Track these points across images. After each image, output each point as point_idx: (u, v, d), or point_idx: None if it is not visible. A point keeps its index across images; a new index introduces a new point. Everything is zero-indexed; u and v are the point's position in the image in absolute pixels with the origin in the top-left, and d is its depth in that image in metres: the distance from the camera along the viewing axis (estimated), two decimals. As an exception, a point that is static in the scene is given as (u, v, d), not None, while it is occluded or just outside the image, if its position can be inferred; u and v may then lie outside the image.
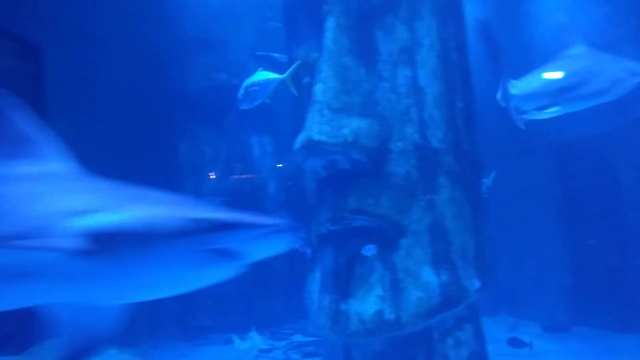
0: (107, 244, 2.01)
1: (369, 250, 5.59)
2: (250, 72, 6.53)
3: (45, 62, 8.49)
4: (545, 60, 6.70)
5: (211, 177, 10.87)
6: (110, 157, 9.64)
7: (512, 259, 10.21)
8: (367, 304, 5.60)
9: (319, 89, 5.75)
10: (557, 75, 6.26)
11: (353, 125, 5.67)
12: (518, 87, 6.38)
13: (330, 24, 5.87)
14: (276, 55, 8.97)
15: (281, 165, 11.40)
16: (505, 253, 9.85)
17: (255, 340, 8.35)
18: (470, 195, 6.04)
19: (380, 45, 5.92)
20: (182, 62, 10.92)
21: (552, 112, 6.26)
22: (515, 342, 7.51)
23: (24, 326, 7.88)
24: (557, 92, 6.19)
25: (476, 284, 5.71)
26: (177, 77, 10.85)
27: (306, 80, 6.52)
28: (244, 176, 10.95)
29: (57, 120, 8.58)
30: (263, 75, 6.24)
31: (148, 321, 9.46)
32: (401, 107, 5.86)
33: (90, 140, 9.12)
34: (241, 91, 6.29)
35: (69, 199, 2.19)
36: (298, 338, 9.41)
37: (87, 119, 9.04)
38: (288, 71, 6.13)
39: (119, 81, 9.53)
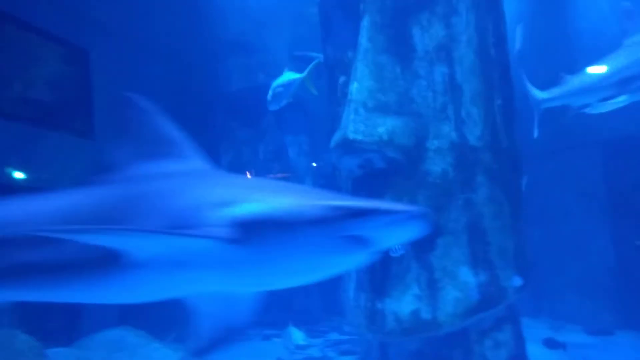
0: (255, 233, 2.09)
1: (396, 251, 5.57)
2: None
3: (92, 66, 8.86)
4: (590, 53, 6.47)
5: (248, 176, 11.05)
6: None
7: (555, 259, 9.91)
8: (404, 303, 5.57)
9: (354, 87, 5.76)
10: (622, 64, 5.97)
11: (389, 124, 5.65)
12: (578, 80, 6.10)
13: (366, 22, 5.86)
14: (314, 54, 9.06)
15: (317, 164, 11.46)
16: (548, 253, 9.57)
17: (295, 336, 8.41)
18: (510, 194, 5.91)
19: (417, 43, 5.87)
20: (221, 64, 11.15)
21: (618, 102, 5.97)
22: (550, 343, 7.38)
23: (72, 319, 8.27)
24: (623, 81, 5.88)
25: (517, 281, 5.60)
26: (216, 78, 11.08)
27: (342, 79, 6.54)
28: (279, 175, 11.08)
29: (103, 122, 8.95)
30: (287, 76, 6.37)
31: (189, 317, 9.70)
32: (438, 105, 5.80)
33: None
34: (270, 93, 6.44)
35: (214, 191, 2.27)
36: (334, 336, 9.44)
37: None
38: (306, 70, 6.23)
39: (160, 83, 9.82)
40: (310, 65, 6.24)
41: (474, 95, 5.86)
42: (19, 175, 7.62)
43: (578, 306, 9.72)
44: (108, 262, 2.12)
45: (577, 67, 6.51)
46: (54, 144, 8.00)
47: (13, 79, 7.85)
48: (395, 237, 2.21)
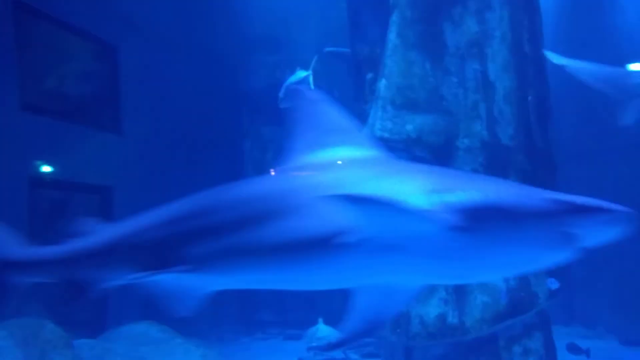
0: (478, 221, 1.98)
1: None
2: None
3: (120, 62, 8.98)
4: (630, 49, 6.18)
5: (272, 173, 11.03)
6: (178, 151, 10.05)
7: (589, 266, 9.56)
8: (429, 306, 5.45)
9: (382, 84, 5.65)
10: None
11: (417, 122, 5.52)
12: None
13: (395, 17, 5.74)
14: (344, 50, 9.01)
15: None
16: (582, 259, 9.24)
17: (323, 331, 8.30)
18: (543, 196, 5.70)
19: (448, 39, 5.72)
20: (248, 61, 11.17)
21: None
22: (573, 348, 7.16)
23: (98, 312, 8.40)
24: None
25: (552, 283, 5.40)
26: (243, 75, 11.11)
27: (369, 76, 6.44)
28: (305, 173, 11.03)
29: (130, 116, 9.06)
30: (299, 74, 6.54)
31: (212, 314, 9.76)
32: (469, 103, 5.64)
33: (160, 136, 9.54)
34: (282, 90, 6.57)
35: (418, 179, 2.16)
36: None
37: (158, 115, 9.45)
38: (310, 66, 6.44)
39: (188, 79, 9.90)
40: (313, 62, 6.41)
41: (507, 93, 5.68)
42: (50, 168, 7.77)
43: (612, 315, 9.37)
44: (322, 242, 2.03)
45: (615, 63, 6.22)
46: (83, 138, 8.14)
47: (46, 74, 8.02)
48: (605, 236, 2.13)
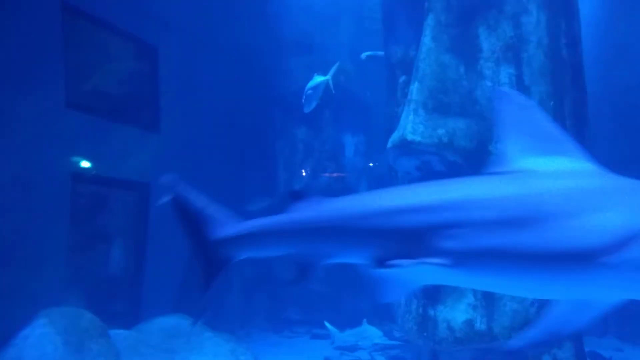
0: None
1: None
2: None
3: (160, 62, 9.23)
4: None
5: (303, 174, 11.13)
6: (212, 151, 10.27)
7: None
8: (457, 311, 5.40)
9: (415, 87, 5.65)
10: None
11: (449, 126, 5.49)
12: None
13: (430, 21, 5.74)
14: (381, 53, 9.03)
15: (372, 164, 11.36)
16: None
17: (371, 332, 8.35)
18: (578, 204, 5.57)
19: (483, 42, 5.67)
20: (281, 63, 11.29)
21: None
22: (595, 357, 6.97)
23: (132, 304, 8.69)
24: None
25: None
26: (277, 77, 11.24)
27: (402, 78, 6.43)
28: (335, 174, 11.07)
29: (168, 115, 9.32)
30: (315, 79, 6.66)
31: (241, 311, 9.93)
32: (503, 107, 5.56)
33: (196, 135, 9.77)
34: (304, 96, 6.72)
35: None
36: (383, 340, 9.32)
37: (195, 114, 9.69)
38: (329, 73, 6.54)
39: (223, 80, 10.10)
40: (333, 68, 6.52)
41: (542, 98, 5.58)
42: (91, 164, 8.07)
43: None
44: (585, 257, 1.96)
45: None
46: (123, 135, 8.41)
47: (90, 73, 8.32)
48: None
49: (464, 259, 2.10)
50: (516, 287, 2.29)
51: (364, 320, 8.48)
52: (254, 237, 2.60)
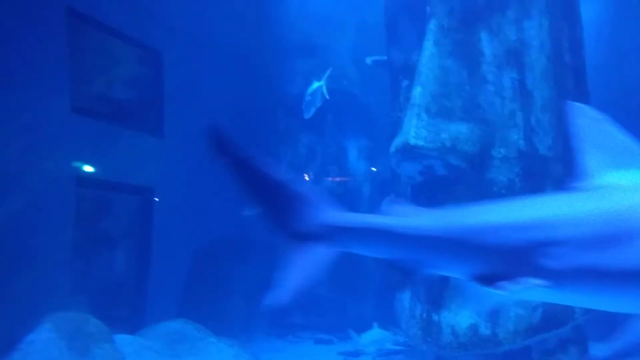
0: None
1: None
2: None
3: (164, 66, 9.28)
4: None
5: (306, 178, 11.14)
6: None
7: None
8: (461, 316, 5.39)
9: (417, 92, 5.66)
10: None
11: (452, 130, 5.49)
12: None
13: (432, 25, 5.75)
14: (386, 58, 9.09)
15: (376, 169, 11.36)
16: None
17: (380, 335, 8.33)
18: (582, 208, 5.56)
19: (485, 47, 5.68)
20: (285, 67, 11.33)
21: None
22: None
23: (137, 308, 8.70)
24: None
25: None
26: (280, 80, 11.27)
27: (405, 83, 6.45)
28: (338, 179, 11.08)
29: (172, 119, 9.36)
30: (314, 85, 6.82)
31: (244, 316, 9.93)
32: (506, 112, 5.57)
33: (199, 139, 9.80)
34: (303, 102, 6.86)
35: None
36: (387, 345, 9.30)
37: (198, 119, 9.72)
38: (323, 78, 6.72)
39: (227, 84, 10.14)
40: (326, 73, 6.69)
41: (545, 102, 5.58)
42: (95, 168, 8.10)
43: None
44: None
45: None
46: (127, 140, 8.44)
47: (95, 78, 8.37)
48: None
49: (562, 278, 2.10)
50: (612, 304, 2.28)
51: (374, 324, 8.48)
52: (365, 232, 2.39)
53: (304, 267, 2.33)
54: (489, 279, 2.16)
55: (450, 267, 2.38)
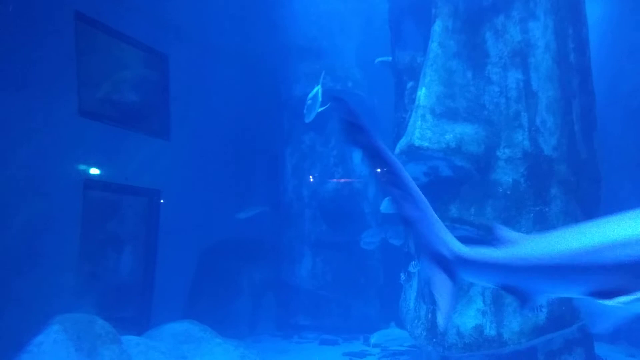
0: None
1: (414, 266, 5.50)
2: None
3: (170, 70, 9.35)
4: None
5: (311, 180, 11.16)
6: (222, 157, 10.35)
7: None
8: (466, 317, 5.38)
9: (422, 93, 5.67)
10: None
11: (457, 131, 5.50)
12: None
13: (437, 27, 5.76)
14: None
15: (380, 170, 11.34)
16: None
17: (397, 334, 8.38)
18: (587, 209, 5.55)
19: (490, 48, 5.68)
20: (289, 69, 11.37)
21: None
22: None
23: (143, 309, 8.75)
24: None
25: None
26: (285, 82, 11.31)
27: (410, 84, 6.46)
28: (343, 180, 11.10)
29: (178, 122, 9.42)
30: (314, 89, 6.99)
31: (250, 317, 9.96)
32: (511, 112, 5.57)
33: (205, 141, 9.86)
34: (305, 106, 7.02)
35: None
36: (392, 346, 9.29)
37: (204, 121, 9.78)
38: (319, 81, 6.92)
39: (232, 87, 10.19)
40: (321, 76, 6.92)
41: (550, 103, 5.57)
42: (102, 171, 8.16)
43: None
44: None
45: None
46: (134, 143, 8.50)
47: (101, 82, 8.44)
48: None
49: None
50: None
51: (392, 323, 8.52)
52: (484, 266, 2.63)
53: (450, 294, 2.68)
54: (607, 295, 2.21)
55: (568, 289, 2.43)
